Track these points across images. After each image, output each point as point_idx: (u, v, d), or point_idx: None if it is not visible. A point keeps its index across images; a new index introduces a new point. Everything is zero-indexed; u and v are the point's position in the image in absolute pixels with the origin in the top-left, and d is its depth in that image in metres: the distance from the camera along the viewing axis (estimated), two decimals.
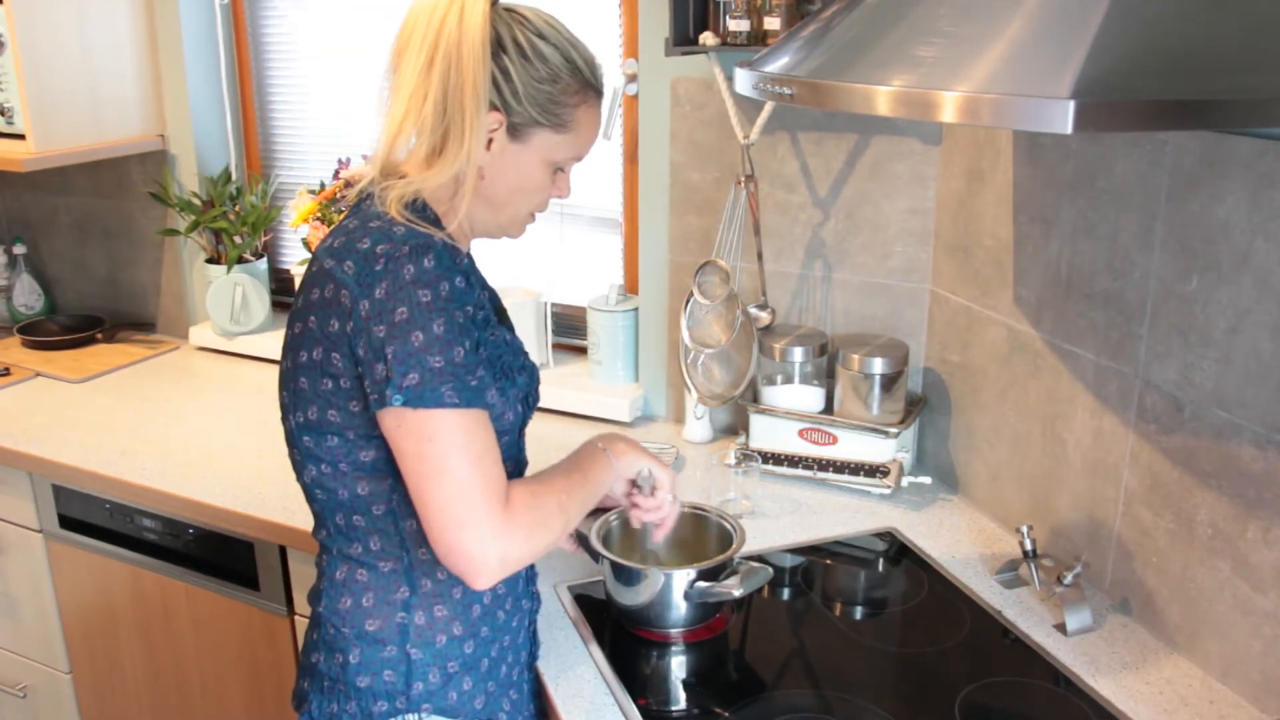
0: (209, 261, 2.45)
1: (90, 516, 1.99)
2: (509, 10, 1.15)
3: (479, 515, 1.04)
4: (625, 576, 1.39)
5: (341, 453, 1.14)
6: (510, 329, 1.33)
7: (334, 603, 1.20)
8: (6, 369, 2.36)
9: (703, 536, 1.49)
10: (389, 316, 1.04)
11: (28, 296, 2.68)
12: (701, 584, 1.37)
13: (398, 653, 1.18)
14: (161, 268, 2.58)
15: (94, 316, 2.62)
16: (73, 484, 1.96)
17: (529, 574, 1.33)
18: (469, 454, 1.05)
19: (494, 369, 1.15)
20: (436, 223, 1.15)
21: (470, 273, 1.12)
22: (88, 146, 2.30)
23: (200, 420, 2.12)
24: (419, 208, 1.14)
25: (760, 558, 1.59)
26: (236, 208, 2.42)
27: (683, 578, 1.36)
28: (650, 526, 1.38)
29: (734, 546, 1.42)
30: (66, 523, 2.02)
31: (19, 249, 2.66)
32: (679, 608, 1.38)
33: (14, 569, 2.13)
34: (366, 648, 1.18)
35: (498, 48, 1.12)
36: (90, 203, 2.62)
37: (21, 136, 2.19)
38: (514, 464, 1.25)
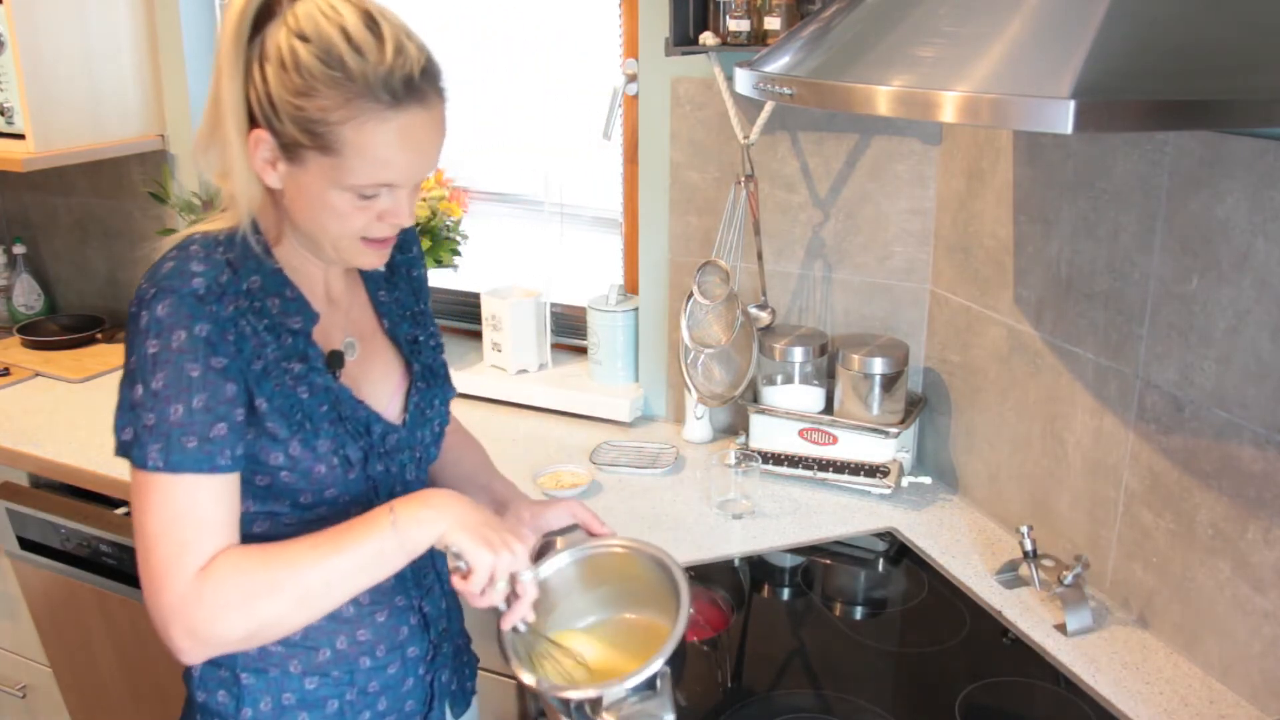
0: None
1: (48, 540, 1.96)
2: (293, 1, 0.97)
3: (159, 584, 0.97)
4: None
5: None
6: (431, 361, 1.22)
7: None
8: (6, 369, 2.36)
9: (638, 595, 1.18)
10: (126, 362, 1.00)
11: (28, 296, 2.68)
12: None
13: (229, 675, 1.13)
14: None
15: (94, 316, 2.62)
16: (32, 508, 1.93)
17: (423, 624, 1.20)
18: (161, 517, 0.98)
19: (289, 421, 1.04)
20: (266, 250, 1.06)
21: (236, 320, 1.00)
22: (88, 146, 2.30)
23: None
24: (252, 233, 1.05)
25: (760, 558, 1.59)
26: None
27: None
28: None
29: (660, 652, 1.06)
30: (27, 545, 2.00)
31: (19, 249, 2.66)
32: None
33: (12, 569, 2.13)
34: (206, 663, 1.13)
35: (262, 54, 0.96)
36: (90, 203, 2.62)
37: (21, 136, 2.18)
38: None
